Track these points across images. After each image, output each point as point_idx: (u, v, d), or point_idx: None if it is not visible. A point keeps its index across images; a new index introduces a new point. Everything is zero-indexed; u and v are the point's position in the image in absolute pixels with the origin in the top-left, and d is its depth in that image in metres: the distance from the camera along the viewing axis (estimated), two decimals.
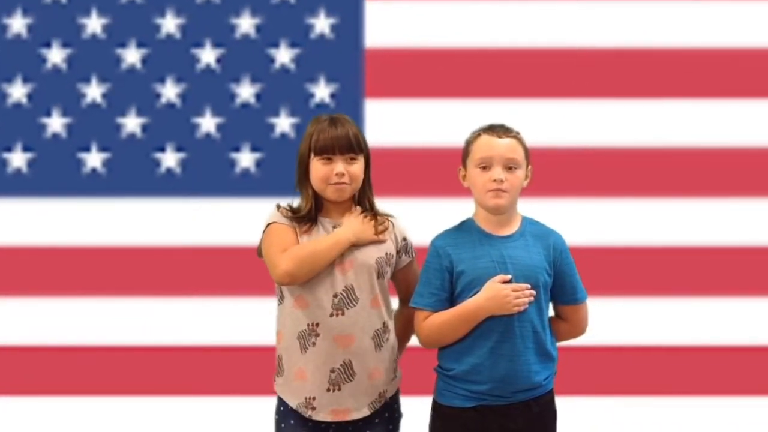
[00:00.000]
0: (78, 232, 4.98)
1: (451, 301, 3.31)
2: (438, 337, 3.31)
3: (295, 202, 3.37)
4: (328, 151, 3.29)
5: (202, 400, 4.97)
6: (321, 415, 3.31)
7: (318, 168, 3.30)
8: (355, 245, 3.29)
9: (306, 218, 3.31)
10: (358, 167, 3.32)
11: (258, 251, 3.38)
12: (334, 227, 3.32)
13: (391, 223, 3.38)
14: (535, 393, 3.29)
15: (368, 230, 3.32)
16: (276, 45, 5.00)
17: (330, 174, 3.29)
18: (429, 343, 3.34)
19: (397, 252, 3.38)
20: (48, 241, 4.99)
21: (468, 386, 3.28)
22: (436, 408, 3.35)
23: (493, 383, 3.26)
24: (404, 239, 3.41)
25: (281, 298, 3.35)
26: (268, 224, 3.33)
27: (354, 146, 3.30)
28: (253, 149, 4.99)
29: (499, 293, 3.23)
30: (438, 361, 3.36)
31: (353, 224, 3.31)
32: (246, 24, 5.00)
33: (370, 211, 3.36)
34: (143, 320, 4.99)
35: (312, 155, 3.31)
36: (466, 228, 3.35)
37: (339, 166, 3.29)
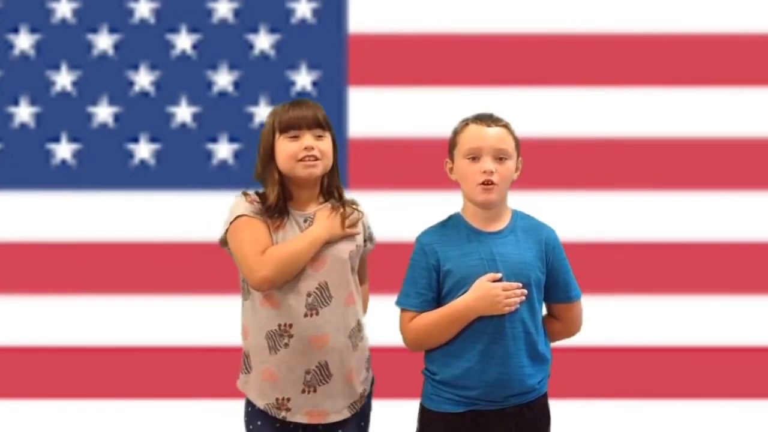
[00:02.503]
0: (47, 227, 4.96)
1: (439, 300, 3.26)
2: (425, 339, 3.27)
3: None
4: (294, 127, 3.24)
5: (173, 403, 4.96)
6: (297, 417, 3.26)
7: (285, 146, 3.24)
8: (328, 242, 3.26)
9: (276, 209, 3.24)
10: (326, 144, 3.27)
11: (222, 241, 3.30)
12: (305, 221, 3.27)
13: (360, 212, 3.35)
14: (528, 397, 3.25)
15: (338, 225, 3.26)
16: (255, 30, 4.97)
17: (299, 150, 3.23)
18: (415, 346, 3.30)
19: (364, 241, 3.38)
20: (15, 236, 4.97)
21: (458, 391, 3.23)
22: (424, 413, 3.30)
23: (485, 388, 3.21)
24: (368, 227, 3.40)
25: (247, 293, 3.29)
26: (237, 216, 3.25)
27: (322, 123, 3.26)
28: (231, 140, 4.97)
29: (488, 293, 3.18)
30: (425, 363, 3.32)
31: (324, 221, 3.26)
32: (223, 8, 4.97)
33: (338, 202, 3.32)
34: (114, 318, 4.96)
35: (277, 135, 3.25)
36: (453, 224, 3.30)
37: (308, 139, 3.24)
